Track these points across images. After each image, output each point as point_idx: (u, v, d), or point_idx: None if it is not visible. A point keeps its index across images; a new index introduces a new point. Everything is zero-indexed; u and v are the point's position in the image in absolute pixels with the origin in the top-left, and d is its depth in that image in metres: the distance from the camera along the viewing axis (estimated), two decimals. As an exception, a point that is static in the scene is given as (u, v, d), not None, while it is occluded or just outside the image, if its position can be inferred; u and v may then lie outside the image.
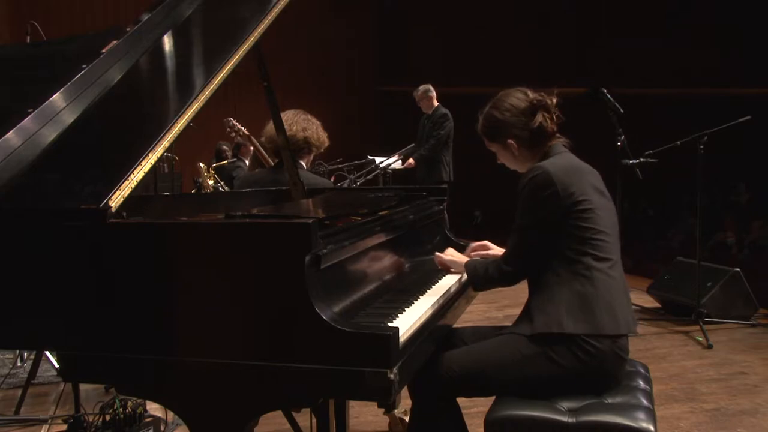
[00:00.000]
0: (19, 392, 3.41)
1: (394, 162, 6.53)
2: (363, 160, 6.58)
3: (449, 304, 2.16)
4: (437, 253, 2.43)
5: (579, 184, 2.08)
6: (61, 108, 2.01)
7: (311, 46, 12.24)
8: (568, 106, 2.22)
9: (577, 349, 1.97)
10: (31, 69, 2.39)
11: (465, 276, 2.31)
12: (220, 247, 1.61)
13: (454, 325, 2.30)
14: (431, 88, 7.14)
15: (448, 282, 2.31)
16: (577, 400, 1.98)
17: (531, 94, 2.21)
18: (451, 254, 2.42)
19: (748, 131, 4.99)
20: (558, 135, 2.22)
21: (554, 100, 2.19)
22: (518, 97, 2.21)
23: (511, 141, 2.20)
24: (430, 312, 1.96)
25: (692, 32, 9.88)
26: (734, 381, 3.85)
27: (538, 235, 2.09)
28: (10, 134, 1.87)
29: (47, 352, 3.53)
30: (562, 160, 2.15)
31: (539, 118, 2.16)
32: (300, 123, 3.14)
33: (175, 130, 1.86)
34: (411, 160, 6.90)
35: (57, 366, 3.43)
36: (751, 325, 4.91)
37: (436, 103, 7.09)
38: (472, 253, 2.47)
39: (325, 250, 1.62)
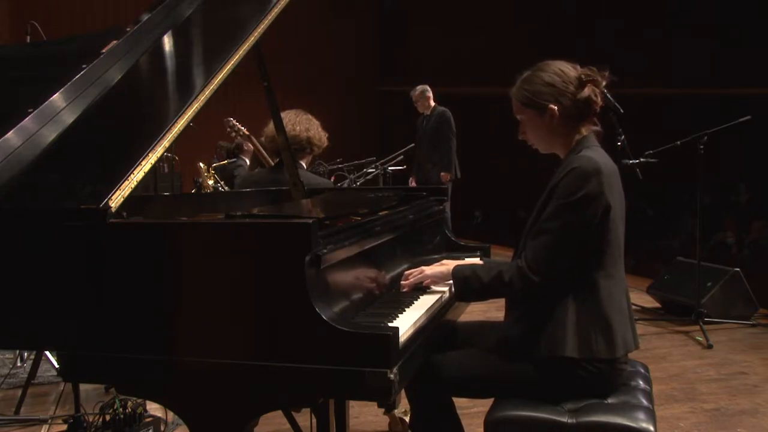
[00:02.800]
0: (19, 392, 3.41)
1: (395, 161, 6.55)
2: (363, 160, 6.59)
3: (449, 304, 2.16)
4: (408, 273, 2.15)
5: (615, 187, 1.96)
6: (61, 108, 2.01)
7: (311, 46, 12.26)
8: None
9: (579, 369, 1.95)
10: (31, 69, 2.39)
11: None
12: (220, 247, 1.61)
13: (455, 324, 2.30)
14: (428, 88, 7.23)
15: (448, 282, 2.31)
16: (577, 400, 1.98)
17: (579, 68, 2.05)
18: (424, 268, 2.15)
19: (748, 131, 4.99)
20: (595, 122, 2.09)
21: (605, 77, 2.04)
22: (567, 66, 2.05)
23: (553, 106, 2.00)
24: (430, 312, 1.95)
25: (692, 32, 9.87)
26: (734, 381, 3.85)
27: (577, 239, 1.91)
28: (10, 134, 1.87)
29: (47, 352, 3.53)
30: (602, 156, 1.98)
31: (588, 90, 2.00)
32: (302, 123, 3.15)
33: (175, 130, 1.86)
34: (444, 174, 7.06)
35: (57, 366, 3.43)
36: (751, 325, 4.91)
37: (433, 103, 7.18)
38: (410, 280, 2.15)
39: (325, 250, 1.62)
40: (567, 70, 2.04)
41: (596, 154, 1.98)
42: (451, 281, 2.09)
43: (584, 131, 2.06)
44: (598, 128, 2.09)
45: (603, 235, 1.95)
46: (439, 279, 2.14)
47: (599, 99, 2.03)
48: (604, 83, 2.04)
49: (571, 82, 2.02)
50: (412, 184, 7.30)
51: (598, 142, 2.07)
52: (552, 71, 2.04)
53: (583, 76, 2.02)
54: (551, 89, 2.02)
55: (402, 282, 2.15)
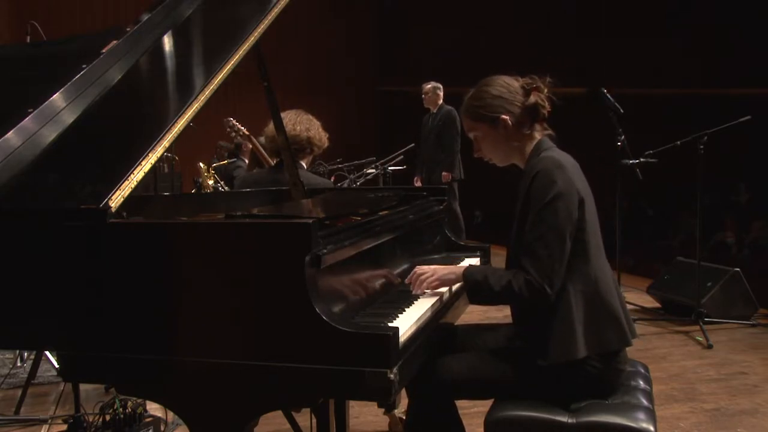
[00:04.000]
0: (19, 392, 3.41)
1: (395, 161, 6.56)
2: (363, 160, 6.58)
3: (449, 304, 2.16)
4: (420, 273, 2.10)
5: (580, 180, 2.01)
6: (61, 108, 2.01)
7: (311, 45, 12.25)
8: (568, 106, 2.20)
9: (581, 372, 1.95)
10: (31, 69, 2.39)
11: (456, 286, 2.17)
12: (220, 247, 1.61)
13: (455, 324, 2.30)
14: (440, 86, 7.25)
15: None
16: (577, 400, 1.98)
17: (520, 78, 2.12)
18: (432, 269, 2.11)
19: (749, 131, 4.99)
20: (545, 126, 2.13)
21: (546, 83, 2.09)
22: (510, 78, 2.11)
23: (505, 117, 2.06)
24: (430, 312, 1.96)
25: (692, 32, 9.86)
26: (734, 381, 3.85)
27: (567, 236, 1.92)
28: (10, 134, 1.87)
29: (47, 352, 3.53)
30: (560, 154, 2.05)
31: (534, 97, 2.07)
32: (303, 123, 3.15)
33: (175, 130, 1.86)
34: (446, 173, 7.09)
35: (57, 366, 3.43)
36: (751, 325, 4.90)
37: (441, 102, 7.19)
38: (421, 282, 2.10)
39: (325, 250, 1.62)
40: (510, 81, 2.11)
41: (555, 153, 2.05)
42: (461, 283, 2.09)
43: (538, 136, 2.12)
44: (549, 132, 2.14)
45: (582, 227, 1.98)
46: (450, 283, 2.13)
47: (546, 103, 2.09)
48: (546, 90, 2.09)
49: (517, 92, 2.09)
50: (417, 183, 7.29)
51: (553, 143, 2.12)
52: (498, 84, 2.10)
53: (525, 85, 2.09)
54: (500, 101, 2.08)
55: (411, 281, 2.11)
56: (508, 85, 2.10)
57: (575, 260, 1.97)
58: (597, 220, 2.05)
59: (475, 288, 2.04)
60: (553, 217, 1.93)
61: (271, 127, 2.91)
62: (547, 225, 1.93)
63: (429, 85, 7.26)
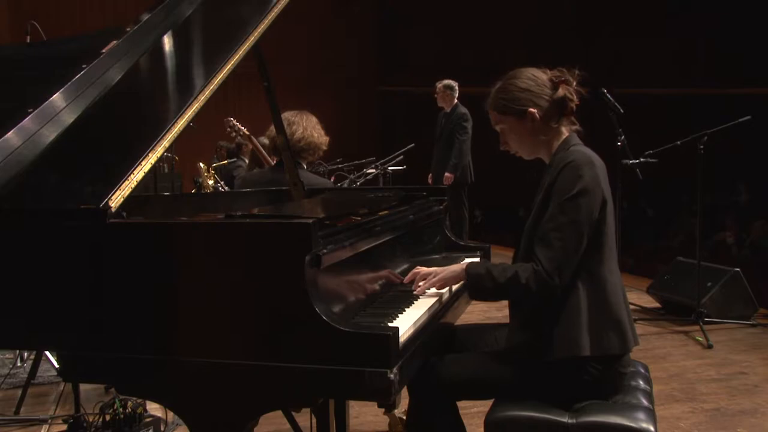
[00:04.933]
0: (19, 392, 3.41)
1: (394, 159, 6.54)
2: (363, 160, 6.58)
3: (449, 304, 2.16)
4: (423, 274, 2.10)
5: (605, 182, 1.99)
6: (61, 108, 2.01)
7: (311, 45, 12.27)
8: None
9: (584, 373, 1.95)
10: (32, 69, 2.39)
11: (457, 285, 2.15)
12: (220, 247, 1.61)
13: (455, 324, 2.30)
14: (454, 85, 7.10)
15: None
16: (578, 400, 1.98)
17: (549, 71, 2.08)
18: (434, 270, 2.11)
19: (749, 131, 4.99)
20: (573, 120, 2.10)
21: (575, 75, 2.06)
22: (538, 71, 2.08)
23: (532, 110, 2.02)
24: (430, 312, 1.95)
25: (692, 32, 9.87)
26: (734, 381, 3.85)
27: (585, 233, 1.91)
28: (10, 134, 1.87)
29: (47, 352, 3.53)
30: (590, 152, 2.02)
31: (562, 90, 2.03)
32: (317, 129, 3.17)
33: (175, 130, 1.86)
34: (448, 174, 6.98)
35: (57, 366, 3.43)
36: (751, 325, 4.90)
37: (455, 101, 7.08)
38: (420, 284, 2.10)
39: (325, 250, 1.62)
40: (539, 74, 2.07)
41: (585, 149, 2.03)
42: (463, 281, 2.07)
43: (565, 131, 2.09)
44: (577, 127, 2.11)
45: (601, 229, 1.96)
46: (452, 281, 2.11)
47: (574, 97, 2.05)
48: (575, 82, 2.06)
49: (545, 85, 2.05)
50: (431, 181, 7.24)
51: (580, 140, 2.09)
52: (525, 77, 2.07)
53: (554, 78, 2.06)
54: (528, 94, 2.04)
55: (414, 283, 2.11)
56: (536, 78, 2.06)
57: (590, 260, 1.95)
58: (614, 225, 2.03)
59: (477, 282, 2.01)
60: (574, 211, 1.91)
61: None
62: (567, 218, 1.91)
63: (440, 84, 7.12)
